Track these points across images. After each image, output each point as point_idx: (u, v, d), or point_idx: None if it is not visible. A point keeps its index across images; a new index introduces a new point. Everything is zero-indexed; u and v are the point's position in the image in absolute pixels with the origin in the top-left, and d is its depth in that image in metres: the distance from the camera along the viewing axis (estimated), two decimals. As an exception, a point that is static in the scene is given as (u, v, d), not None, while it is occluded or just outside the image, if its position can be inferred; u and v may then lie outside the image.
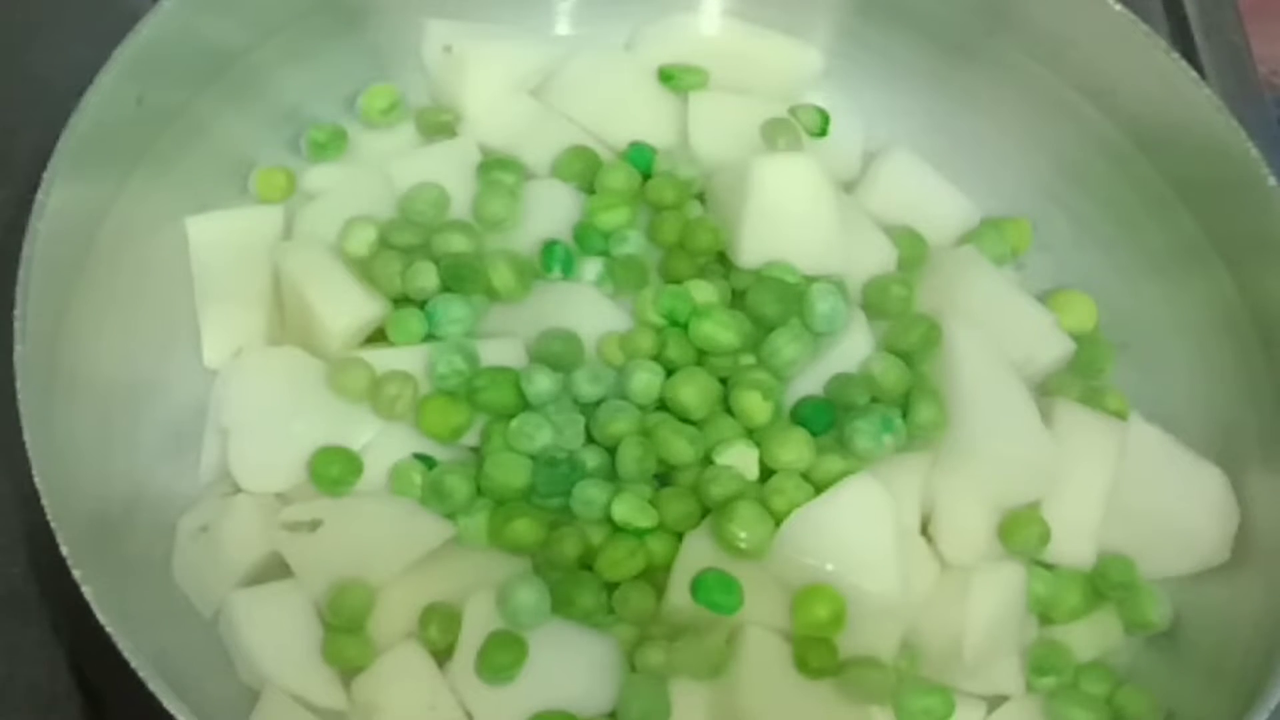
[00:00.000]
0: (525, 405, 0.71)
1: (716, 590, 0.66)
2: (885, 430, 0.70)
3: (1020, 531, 0.71)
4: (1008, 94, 0.82)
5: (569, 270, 0.75)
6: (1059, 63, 0.79)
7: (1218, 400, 0.77)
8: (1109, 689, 0.70)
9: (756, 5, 0.85)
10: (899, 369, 0.73)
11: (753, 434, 0.71)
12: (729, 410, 0.72)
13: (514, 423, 0.69)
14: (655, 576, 0.68)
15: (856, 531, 0.68)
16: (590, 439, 0.72)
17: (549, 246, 0.75)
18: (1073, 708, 0.69)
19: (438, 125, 0.82)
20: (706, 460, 0.70)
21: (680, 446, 0.70)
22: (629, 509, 0.68)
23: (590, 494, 0.69)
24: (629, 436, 0.70)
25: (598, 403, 0.72)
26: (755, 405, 0.71)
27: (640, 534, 0.68)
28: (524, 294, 0.74)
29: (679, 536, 0.69)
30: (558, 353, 0.72)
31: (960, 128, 0.84)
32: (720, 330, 0.72)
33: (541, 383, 0.70)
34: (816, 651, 0.66)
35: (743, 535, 0.67)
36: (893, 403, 0.72)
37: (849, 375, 0.73)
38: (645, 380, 0.71)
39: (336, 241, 0.76)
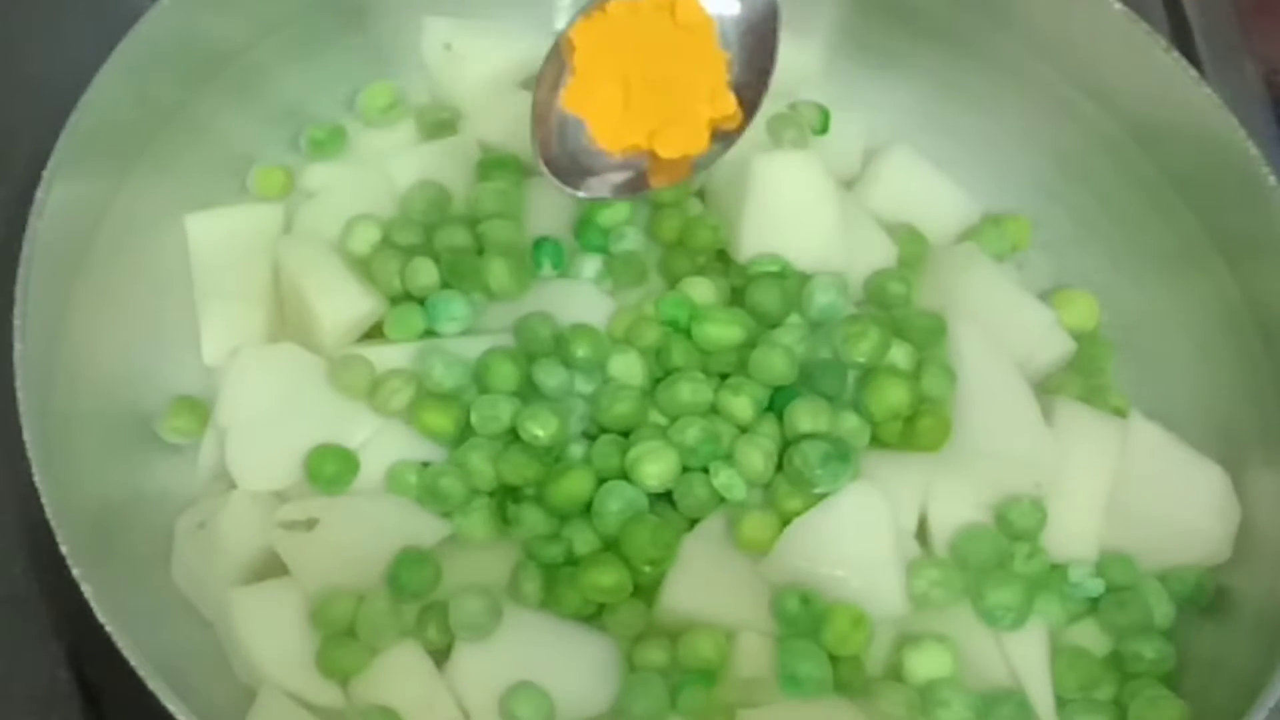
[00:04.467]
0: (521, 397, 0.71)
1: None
2: (832, 462, 0.69)
3: (1017, 512, 0.71)
4: (1008, 92, 0.82)
5: (559, 266, 0.75)
6: (1059, 61, 0.79)
7: (1219, 398, 0.76)
8: (1115, 690, 0.70)
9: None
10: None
11: (772, 403, 0.72)
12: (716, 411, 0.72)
13: (522, 414, 0.70)
14: (644, 591, 0.69)
15: (856, 539, 0.68)
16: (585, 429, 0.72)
17: (539, 243, 0.75)
18: (1080, 715, 0.69)
19: (437, 123, 0.82)
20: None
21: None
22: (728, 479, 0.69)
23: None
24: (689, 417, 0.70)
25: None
26: (741, 407, 0.71)
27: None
28: (521, 291, 0.74)
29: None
30: (544, 339, 0.72)
31: (960, 125, 0.84)
32: (722, 329, 0.73)
33: (557, 375, 0.71)
34: (846, 668, 0.66)
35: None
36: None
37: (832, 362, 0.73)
38: (624, 363, 0.72)
39: (336, 239, 0.76)
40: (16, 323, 0.62)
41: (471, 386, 0.71)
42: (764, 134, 0.79)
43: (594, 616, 0.68)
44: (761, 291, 0.73)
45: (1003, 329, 0.76)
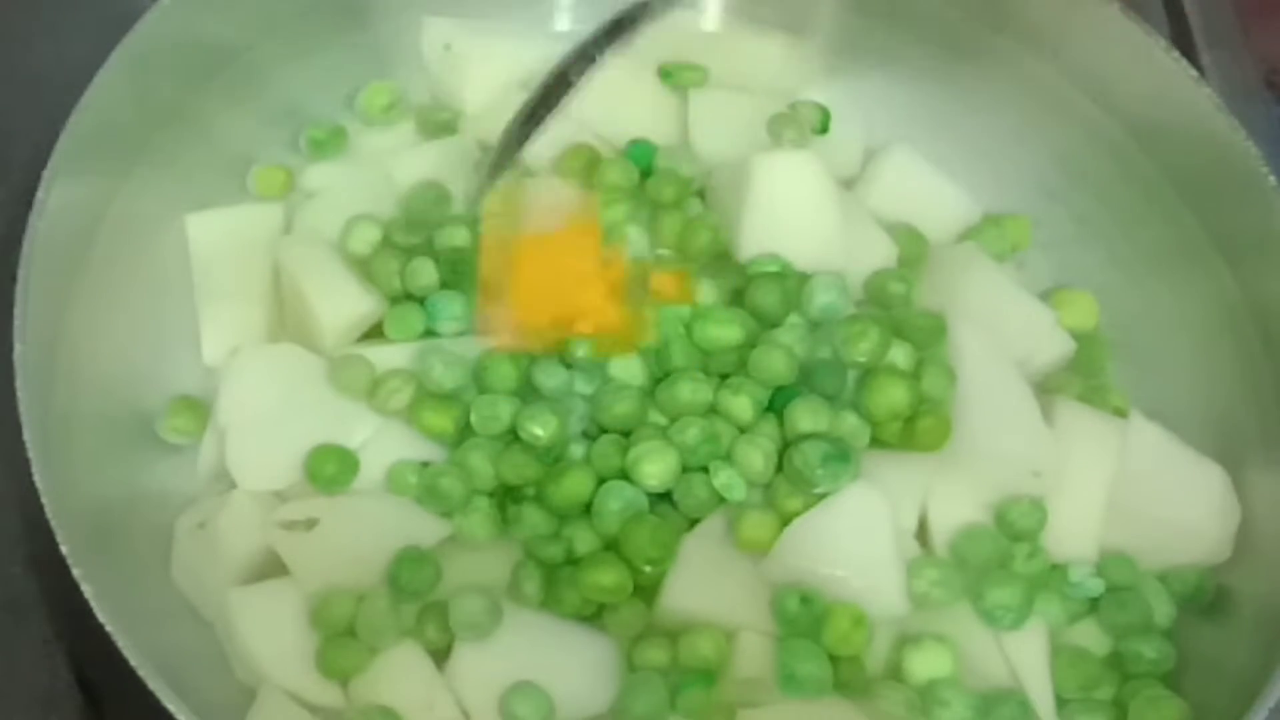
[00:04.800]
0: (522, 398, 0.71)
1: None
2: (832, 462, 0.69)
3: (1017, 512, 0.71)
4: (1008, 91, 0.82)
5: None
6: (1059, 61, 0.79)
7: (1218, 398, 0.76)
8: (1115, 690, 0.70)
9: (757, 2, 0.85)
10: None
11: (772, 403, 0.71)
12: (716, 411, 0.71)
13: (522, 414, 0.70)
14: (644, 591, 0.69)
15: (856, 539, 0.68)
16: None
17: None
18: (1080, 715, 0.69)
19: (437, 123, 0.82)
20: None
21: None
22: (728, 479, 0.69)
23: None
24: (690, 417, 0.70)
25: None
26: (741, 407, 0.71)
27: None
28: (522, 291, 0.74)
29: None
30: None
31: (961, 125, 0.84)
32: (722, 329, 0.72)
33: (557, 375, 0.71)
34: (846, 668, 0.66)
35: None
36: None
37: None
38: (624, 363, 0.72)
39: (336, 239, 0.76)
40: (16, 323, 0.62)
41: (471, 386, 0.71)
42: (764, 134, 0.79)
43: (594, 616, 0.68)
44: (761, 291, 0.73)
45: (1002, 329, 0.76)
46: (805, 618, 0.66)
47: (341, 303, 0.73)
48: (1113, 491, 0.72)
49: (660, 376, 0.72)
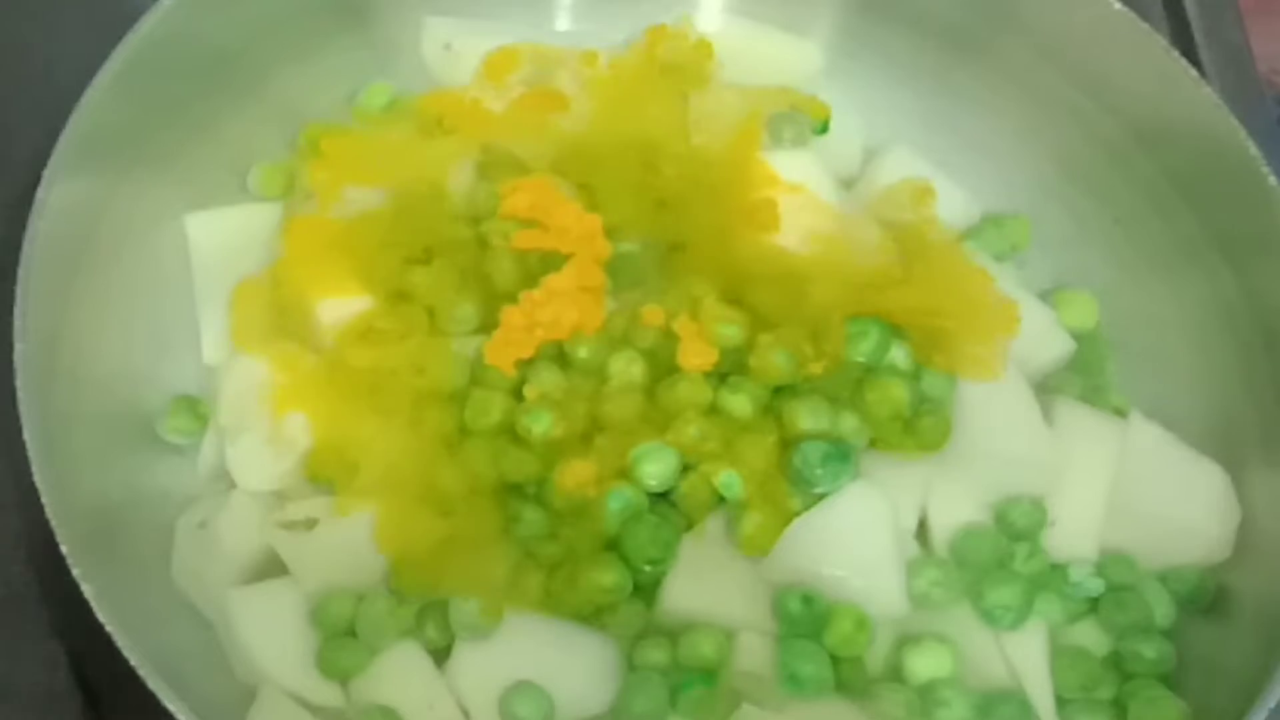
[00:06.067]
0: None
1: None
2: (832, 462, 0.69)
3: (1017, 512, 0.71)
4: (1008, 91, 0.82)
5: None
6: (1059, 60, 0.79)
7: (1218, 397, 0.76)
8: (1115, 690, 0.70)
9: (757, 2, 0.85)
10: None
11: (775, 397, 0.71)
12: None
13: (520, 411, 0.70)
14: (644, 591, 0.69)
15: (856, 539, 0.68)
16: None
17: None
18: (1080, 715, 0.69)
19: (437, 123, 0.81)
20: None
21: None
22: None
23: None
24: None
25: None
26: (741, 407, 0.70)
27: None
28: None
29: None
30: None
31: (961, 125, 0.84)
32: (722, 329, 0.72)
33: (555, 375, 0.71)
34: (846, 668, 0.66)
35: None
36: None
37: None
38: (624, 363, 0.71)
39: (335, 238, 0.76)
40: (16, 323, 0.62)
41: (471, 386, 0.71)
42: (764, 133, 0.79)
43: (594, 616, 0.68)
44: (761, 291, 0.73)
45: (1003, 329, 0.76)
46: (807, 618, 0.66)
47: (342, 303, 0.73)
48: (1113, 491, 0.72)
49: (660, 376, 0.72)
